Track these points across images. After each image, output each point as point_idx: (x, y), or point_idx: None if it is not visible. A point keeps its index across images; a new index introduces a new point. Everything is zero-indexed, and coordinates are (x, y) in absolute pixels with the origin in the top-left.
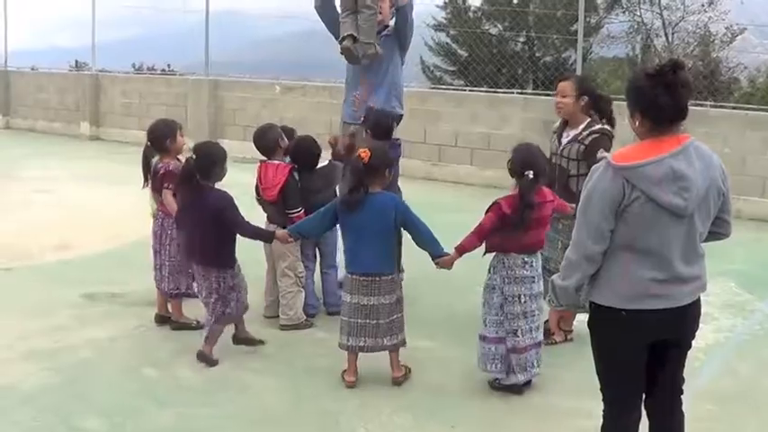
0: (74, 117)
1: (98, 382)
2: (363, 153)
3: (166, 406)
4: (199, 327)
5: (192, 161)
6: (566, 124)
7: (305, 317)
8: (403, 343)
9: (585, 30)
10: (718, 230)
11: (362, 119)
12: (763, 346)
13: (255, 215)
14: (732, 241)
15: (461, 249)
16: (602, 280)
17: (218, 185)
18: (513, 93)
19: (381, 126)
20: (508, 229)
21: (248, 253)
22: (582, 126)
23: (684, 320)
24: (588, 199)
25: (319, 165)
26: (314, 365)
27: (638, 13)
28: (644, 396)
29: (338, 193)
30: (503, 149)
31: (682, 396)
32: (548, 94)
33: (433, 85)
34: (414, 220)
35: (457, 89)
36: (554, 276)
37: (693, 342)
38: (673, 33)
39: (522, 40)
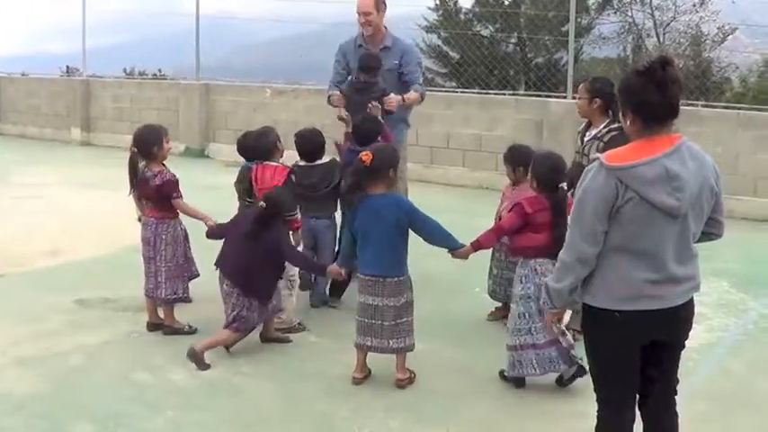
0: (64, 123)
1: (90, 388)
2: (365, 155)
3: (159, 411)
4: (191, 331)
5: (261, 209)
6: (590, 124)
7: (298, 320)
8: (410, 348)
9: (577, 30)
10: (711, 230)
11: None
12: (756, 346)
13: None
14: (725, 241)
15: (477, 245)
16: (596, 281)
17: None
18: (504, 94)
19: (364, 132)
20: (537, 230)
21: None
22: (602, 125)
23: (678, 321)
24: (581, 200)
25: (320, 161)
26: (307, 368)
27: (630, 14)
28: (638, 396)
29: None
30: (494, 151)
31: (676, 396)
32: (539, 95)
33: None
34: (422, 219)
35: (448, 91)
36: (547, 278)
37: (687, 342)
38: (664, 33)
39: (513, 41)
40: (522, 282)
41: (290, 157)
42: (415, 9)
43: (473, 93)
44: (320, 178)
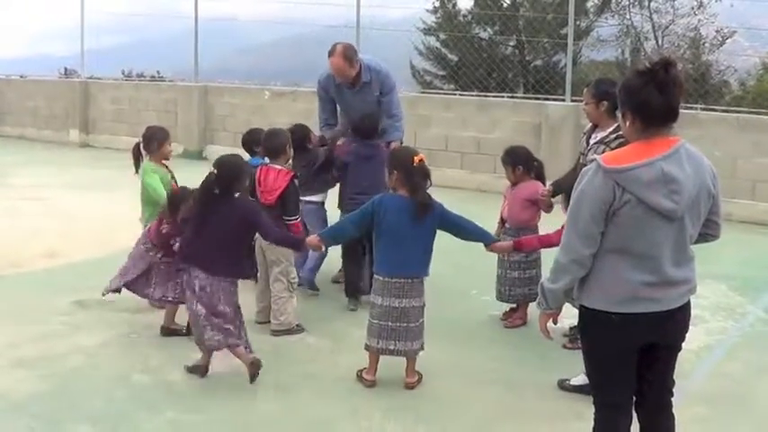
0: (63, 124)
1: (89, 389)
2: (423, 157)
3: (158, 412)
4: (188, 333)
5: (213, 175)
6: (595, 126)
7: (296, 322)
8: (422, 347)
9: (575, 33)
10: (708, 232)
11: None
12: (754, 349)
13: None
14: (723, 244)
15: (519, 246)
16: (592, 283)
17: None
18: (502, 97)
19: (363, 128)
20: None
21: None
22: (610, 129)
23: (674, 323)
24: (578, 202)
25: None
26: (305, 370)
27: (628, 17)
28: (634, 398)
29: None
30: (493, 153)
31: (672, 398)
32: (537, 98)
33: (422, 90)
34: (454, 218)
35: (447, 93)
36: (543, 279)
37: (685, 344)
38: (663, 36)
39: (512, 44)
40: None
41: None
42: (413, 11)
43: (471, 95)
44: (306, 162)
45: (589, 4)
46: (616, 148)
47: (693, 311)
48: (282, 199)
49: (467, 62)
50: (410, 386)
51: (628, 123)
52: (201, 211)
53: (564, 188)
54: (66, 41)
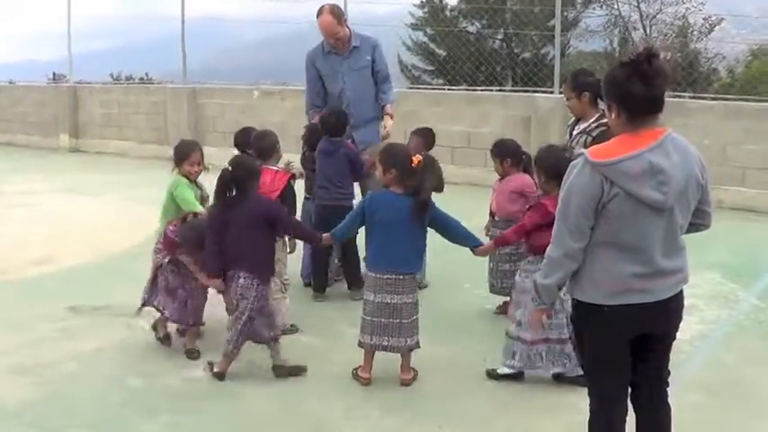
0: (53, 130)
1: (84, 395)
2: (419, 157)
3: (154, 415)
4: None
5: (228, 174)
6: (579, 118)
7: (290, 323)
8: (418, 344)
9: (563, 25)
10: (699, 222)
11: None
12: (749, 337)
13: None
14: (714, 231)
15: (499, 242)
16: (584, 276)
17: None
18: (492, 90)
19: (329, 124)
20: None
21: None
22: (592, 119)
23: (667, 314)
24: (567, 196)
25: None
26: None
27: (616, 7)
28: (630, 390)
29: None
30: (483, 148)
31: (668, 388)
32: (526, 91)
33: (411, 85)
34: (443, 217)
35: (435, 88)
36: (536, 275)
37: (679, 334)
38: (651, 26)
39: (500, 37)
40: (520, 275)
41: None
42: (401, 7)
43: (460, 90)
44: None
45: None
46: (597, 136)
47: (687, 301)
48: (281, 200)
49: (455, 56)
50: (405, 383)
51: (614, 116)
52: (221, 212)
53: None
54: (53, 46)
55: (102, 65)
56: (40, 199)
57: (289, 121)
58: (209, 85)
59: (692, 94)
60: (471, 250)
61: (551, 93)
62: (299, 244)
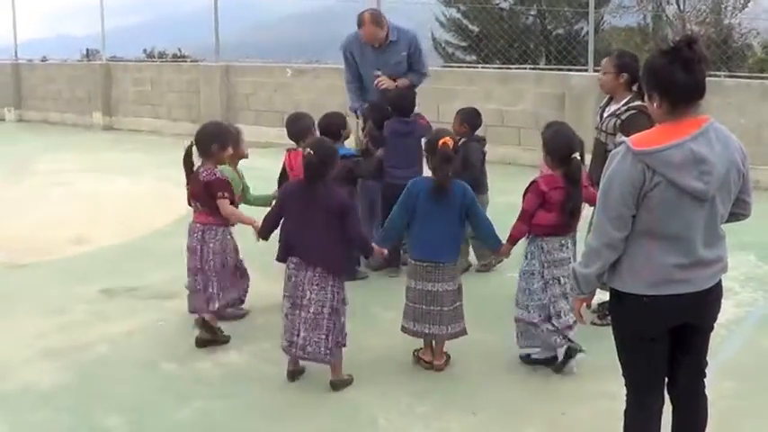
0: (86, 107)
1: (117, 379)
2: (449, 140)
3: (186, 400)
4: (226, 340)
5: (310, 155)
6: (611, 100)
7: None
8: (464, 332)
9: (597, 0)
10: (739, 211)
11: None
12: None
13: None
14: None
15: (513, 239)
16: (624, 266)
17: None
18: (525, 68)
19: (399, 104)
20: (549, 209)
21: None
22: (623, 102)
23: (706, 304)
24: (608, 185)
25: None
26: None
27: None
28: (666, 380)
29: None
30: (516, 126)
31: (705, 379)
32: (560, 69)
33: (444, 63)
34: (478, 212)
35: (469, 66)
36: (575, 264)
37: None
38: (684, 1)
39: (533, 13)
40: (527, 258)
41: None
42: None
43: (494, 68)
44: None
45: None
46: (626, 120)
47: (723, 283)
48: None
49: (488, 33)
50: (439, 368)
51: (655, 105)
52: (303, 195)
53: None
54: (86, 21)
55: (134, 40)
56: (74, 177)
57: (322, 100)
58: (241, 63)
59: (727, 73)
60: (493, 252)
61: (585, 71)
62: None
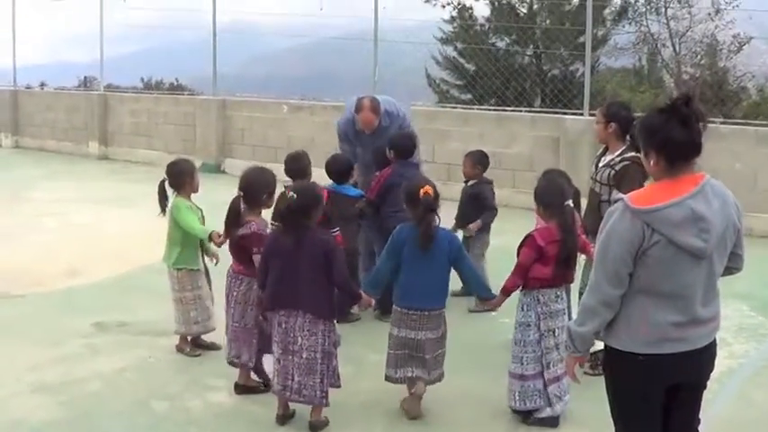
0: (82, 136)
1: (108, 416)
2: (430, 189)
3: None
4: (267, 390)
5: (293, 200)
6: (606, 150)
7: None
8: (440, 377)
9: (593, 42)
10: (731, 265)
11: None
12: None
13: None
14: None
15: (506, 291)
16: (620, 324)
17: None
18: (520, 111)
19: (402, 146)
20: (546, 262)
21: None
22: (617, 152)
23: (701, 362)
24: (606, 243)
25: None
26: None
27: (645, 24)
28: None
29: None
30: (511, 168)
31: None
32: (555, 112)
33: (439, 101)
34: (466, 262)
35: (465, 108)
36: (570, 322)
37: None
38: (680, 43)
39: (529, 53)
40: (523, 309)
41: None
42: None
43: (490, 109)
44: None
45: (606, 12)
46: (620, 170)
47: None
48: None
49: (484, 72)
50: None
51: (652, 162)
52: (286, 243)
53: (589, 230)
54: (85, 48)
55: (132, 68)
56: (68, 207)
57: (318, 136)
58: (238, 97)
59: (722, 119)
60: (481, 301)
61: (580, 114)
62: None
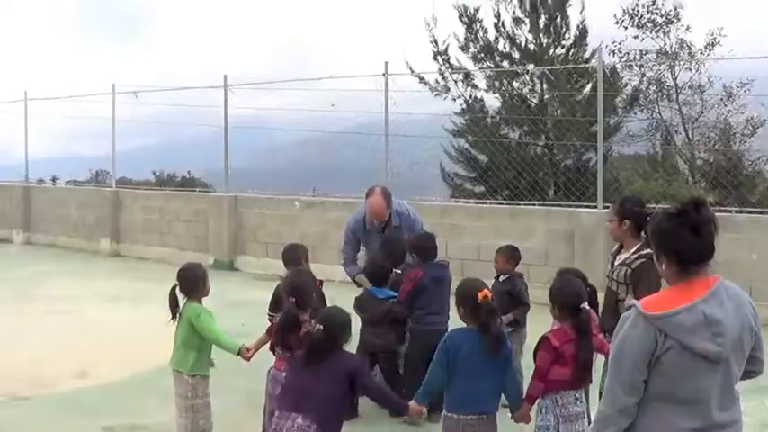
0: (94, 233)
1: None
2: (488, 292)
3: None
4: None
5: (320, 332)
6: (621, 247)
7: None
8: None
9: (605, 131)
10: (751, 368)
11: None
12: None
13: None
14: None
15: (531, 399)
16: (638, 430)
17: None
18: (534, 204)
19: (425, 247)
20: (564, 363)
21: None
22: (632, 250)
23: None
24: (620, 350)
25: None
26: None
27: (657, 110)
28: None
29: None
30: (525, 263)
31: None
32: (569, 204)
33: (453, 194)
34: (513, 370)
35: (478, 202)
36: (588, 429)
37: None
38: (693, 129)
39: (541, 143)
40: (542, 412)
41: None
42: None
43: (503, 204)
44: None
45: (617, 100)
46: (636, 269)
47: None
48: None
49: (496, 163)
50: None
51: (664, 266)
52: (307, 369)
53: (607, 329)
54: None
55: (144, 162)
56: (78, 305)
57: (330, 232)
58: (250, 194)
59: (738, 208)
60: (511, 415)
61: (594, 207)
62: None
